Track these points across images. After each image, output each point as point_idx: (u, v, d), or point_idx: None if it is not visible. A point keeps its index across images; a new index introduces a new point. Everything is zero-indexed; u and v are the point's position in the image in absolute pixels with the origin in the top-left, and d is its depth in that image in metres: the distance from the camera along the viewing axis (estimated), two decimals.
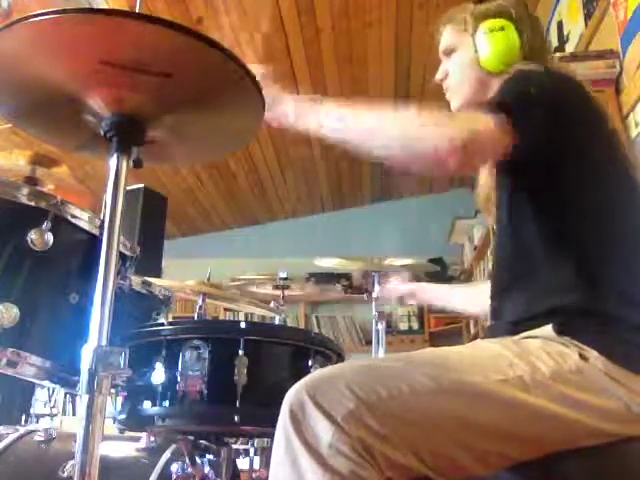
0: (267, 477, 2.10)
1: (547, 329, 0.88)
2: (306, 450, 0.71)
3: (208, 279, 1.96)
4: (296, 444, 0.72)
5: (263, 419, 1.37)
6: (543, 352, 0.84)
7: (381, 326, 2.51)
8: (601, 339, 0.85)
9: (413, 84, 3.81)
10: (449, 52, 1.17)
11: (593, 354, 0.84)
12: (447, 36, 1.18)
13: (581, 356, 0.84)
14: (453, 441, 0.77)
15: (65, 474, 1.31)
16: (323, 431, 0.72)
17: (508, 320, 0.98)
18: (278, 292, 2.42)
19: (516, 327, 0.93)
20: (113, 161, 0.90)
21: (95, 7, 2.17)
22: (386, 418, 0.74)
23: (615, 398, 0.82)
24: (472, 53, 1.11)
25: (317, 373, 0.81)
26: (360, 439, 0.72)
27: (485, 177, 1.18)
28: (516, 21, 1.08)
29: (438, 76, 1.19)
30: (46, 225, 1.21)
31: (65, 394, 2.67)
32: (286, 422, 0.74)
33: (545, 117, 0.89)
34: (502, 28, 1.08)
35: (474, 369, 0.81)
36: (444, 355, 0.85)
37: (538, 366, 0.82)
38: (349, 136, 0.93)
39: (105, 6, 2.70)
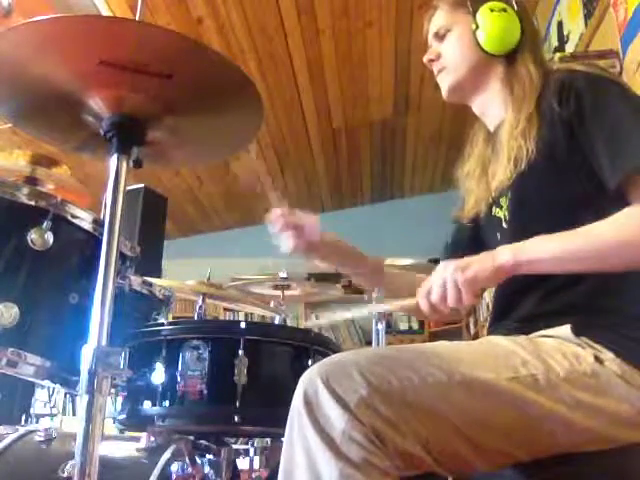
0: (267, 477, 2.09)
1: (564, 329, 0.87)
2: (319, 436, 0.71)
3: (208, 279, 1.96)
4: (309, 429, 0.72)
5: (263, 419, 1.37)
6: (558, 352, 0.84)
7: (381, 326, 2.51)
8: (618, 339, 0.85)
9: (413, 84, 3.81)
10: (443, 34, 1.11)
11: (609, 356, 0.83)
12: (440, 17, 1.12)
13: (596, 359, 0.83)
14: (459, 435, 0.76)
15: (65, 474, 1.31)
16: (336, 418, 0.72)
17: (519, 317, 0.97)
18: (278, 292, 2.42)
19: (528, 325, 0.93)
20: (113, 161, 0.90)
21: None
22: (397, 406, 0.74)
23: (629, 404, 0.81)
24: (471, 32, 1.06)
25: (330, 359, 0.80)
26: (372, 426, 0.72)
27: (477, 180, 1.14)
28: (517, 9, 1.06)
29: (429, 56, 1.12)
30: (46, 225, 1.21)
31: (65, 394, 2.67)
32: (299, 406, 0.74)
33: None
34: (504, 9, 1.04)
35: (486, 365, 0.81)
36: (457, 349, 0.85)
37: (552, 366, 0.81)
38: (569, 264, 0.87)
39: (105, 6, 2.70)
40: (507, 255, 0.86)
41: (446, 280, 0.86)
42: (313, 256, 1.14)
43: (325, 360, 0.80)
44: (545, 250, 0.86)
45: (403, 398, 0.75)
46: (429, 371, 0.77)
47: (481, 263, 0.87)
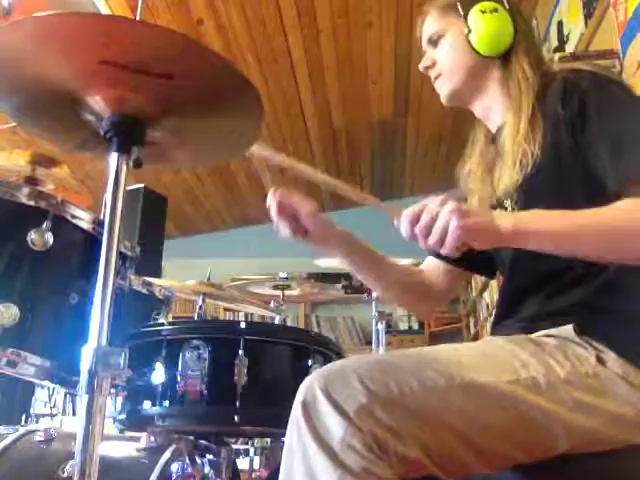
0: (267, 477, 2.10)
1: (567, 329, 0.87)
2: (318, 444, 0.71)
3: (208, 279, 1.96)
4: (308, 438, 0.72)
5: (263, 419, 1.37)
6: (560, 353, 0.83)
7: (381, 326, 2.52)
8: (621, 339, 0.84)
9: (412, 84, 3.81)
10: (436, 39, 1.10)
11: (611, 356, 0.83)
12: (432, 23, 1.11)
13: (598, 359, 0.83)
14: (460, 439, 0.76)
15: (65, 474, 1.31)
16: (335, 425, 0.71)
17: (523, 318, 0.97)
18: (278, 292, 2.42)
19: (533, 324, 0.92)
20: (113, 161, 0.89)
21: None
22: (397, 413, 0.73)
23: (629, 404, 0.81)
24: (464, 36, 1.05)
25: (329, 366, 0.80)
26: (372, 434, 0.71)
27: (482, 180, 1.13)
28: (508, 8, 1.05)
29: (425, 63, 1.12)
30: (46, 225, 1.21)
31: (65, 394, 2.67)
32: (298, 415, 0.74)
33: None
34: (496, 10, 1.04)
35: (486, 368, 0.80)
36: (457, 352, 0.85)
37: (553, 367, 0.81)
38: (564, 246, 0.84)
39: (105, 6, 2.70)
40: (508, 221, 0.82)
41: (439, 217, 0.80)
42: (316, 245, 1.12)
43: (324, 367, 0.80)
44: (548, 226, 0.83)
45: (403, 404, 0.74)
46: (428, 376, 0.77)
47: (482, 217, 0.82)
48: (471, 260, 1.20)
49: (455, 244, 0.79)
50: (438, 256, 1.22)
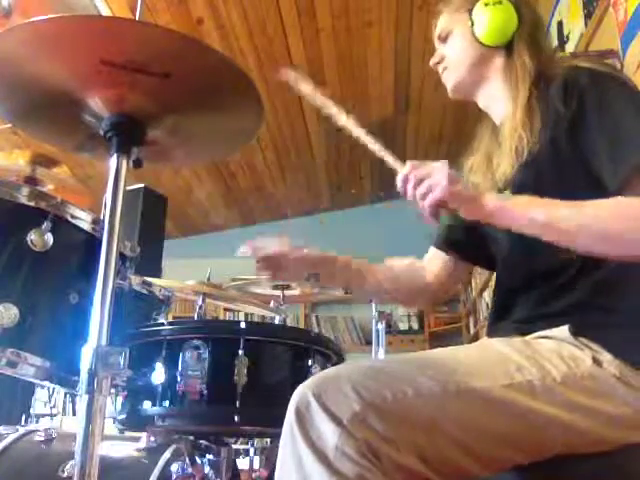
0: (267, 477, 2.10)
1: (562, 330, 0.87)
2: (312, 452, 0.71)
3: (208, 279, 1.96)
4: (302, 445, 0.72)
5: (263, 419, 1.37)
6: (555, 355, 0.83)
7: (381, 326, 2.52)
8: (617, 340, 0.84)
9: (413, 84, 3.81)
10: (445, 36, 1.14)
11: (607, 358, 0.83)
12: (442, 21, 1.15)
13: (594, 360, 0.83)
14: (457, 445, 0.76)
15: (65, 474, 1.31)
16: (329, 433, 0.71)
17: (518, 319, 0.97)
18: (278, 292, 2.42)
19: (528, 326, 0.92)
20: (113, 161, 0.90)
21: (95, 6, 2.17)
22: (391, 420, 0.73)
23: (627, 405, 0.81)
24: (469, 28, 1.08)
25: (323, 374, 0.80)
26: (366, 441, 0.71)
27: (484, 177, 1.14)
28: (515, 2, 1.07)
29: (434, 59, 1.16)
30: (46, 225, 1.21)
31: (65, 394, 2.66)
32: (292, 423, 0.74)
33: None
34: (499, 2, 1.06)
35: (481, 373, 0.80)
36: (451, 357, 0.84)
37: (549, 370, 0.81)
38: (546, 233, 0.86)
39: (105, 6, 2.70)
40: (494, 198, 0.88)
41: (433, 174, 0.88)
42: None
43: (318, 374, 0.80)
44: (536, 212, 0.85)
45: (398, 412, 0.74)
46: (423, 383, 0.77)
47: (468, 191, 0.89)
48: (469, 249, 1.21)
49: (436, 200, 0.87)
50: (440, 248, 1.24)
